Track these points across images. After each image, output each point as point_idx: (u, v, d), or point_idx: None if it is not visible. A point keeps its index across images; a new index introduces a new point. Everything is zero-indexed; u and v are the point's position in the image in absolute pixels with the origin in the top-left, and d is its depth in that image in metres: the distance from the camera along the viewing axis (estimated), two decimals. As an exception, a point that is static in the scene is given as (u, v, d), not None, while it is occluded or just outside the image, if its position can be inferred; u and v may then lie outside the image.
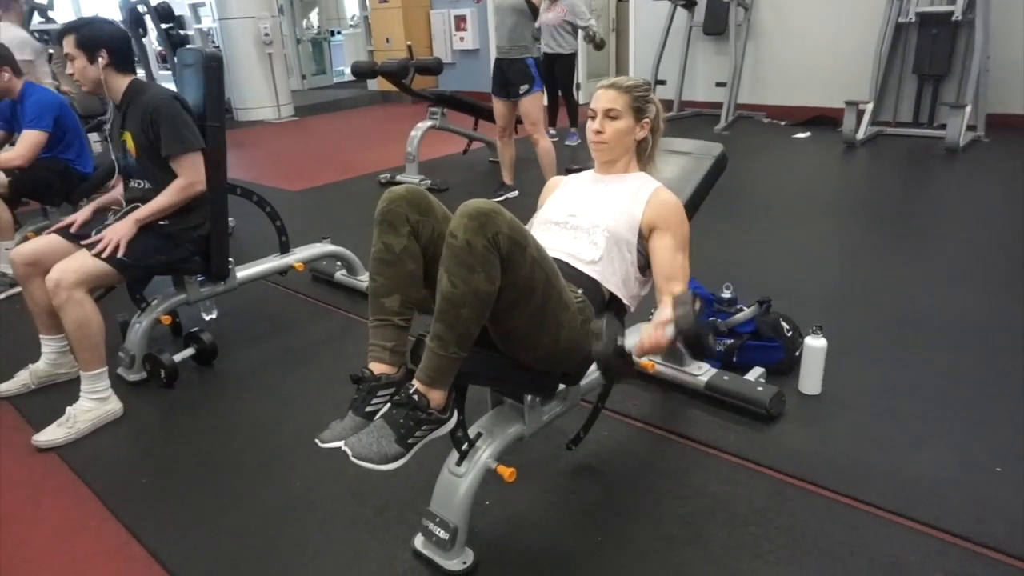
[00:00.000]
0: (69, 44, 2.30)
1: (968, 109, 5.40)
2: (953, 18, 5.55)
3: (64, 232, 2.45)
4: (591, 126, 1.78)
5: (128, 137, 2.40)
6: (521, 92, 4.42)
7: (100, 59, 2.32)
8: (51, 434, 2.20)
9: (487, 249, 1.30)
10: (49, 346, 2.50)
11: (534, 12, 4.34)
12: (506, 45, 4.41)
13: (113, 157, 2.50)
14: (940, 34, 5.84)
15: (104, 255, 2.25)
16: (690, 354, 1.42)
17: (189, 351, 2.62)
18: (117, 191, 2.60)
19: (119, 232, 2.30)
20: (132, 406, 2.38)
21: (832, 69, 6.65)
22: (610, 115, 1.75)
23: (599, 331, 1.45)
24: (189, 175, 2.39)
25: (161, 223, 2.41)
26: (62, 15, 7.58)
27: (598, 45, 5.63)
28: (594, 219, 1.72)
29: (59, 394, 2.41)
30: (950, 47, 5.87)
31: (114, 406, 2.33)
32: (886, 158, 5.54)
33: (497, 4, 4.43)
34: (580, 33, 5.96)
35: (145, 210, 2.36)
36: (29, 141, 3.25)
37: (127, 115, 2.40)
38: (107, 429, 2.28)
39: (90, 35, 2.32)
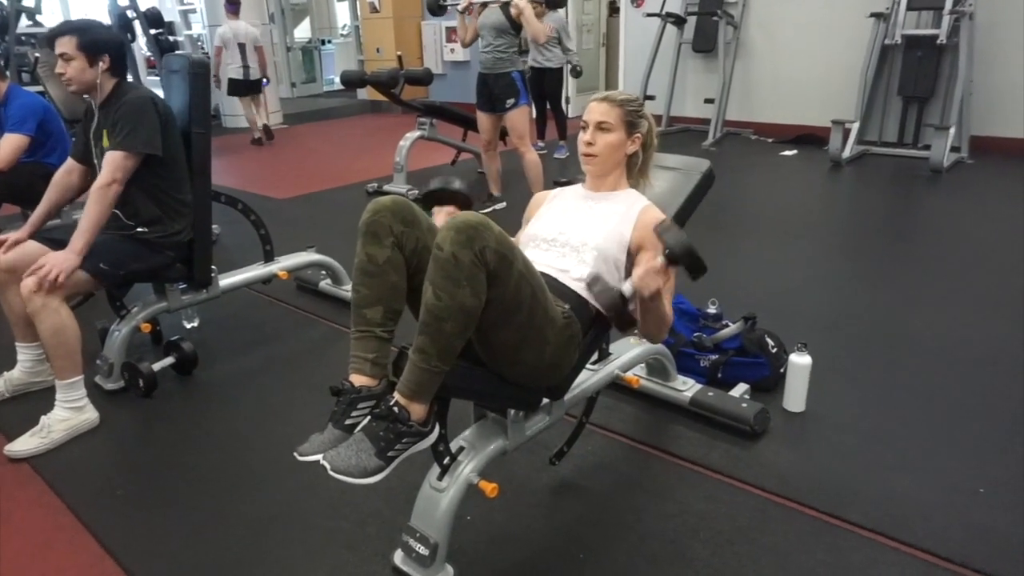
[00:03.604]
0: (69, 45, 2.25)
1: (952, 131, 5.47)
2: (938, 41, 5.63)
3: (42, 238, 2.41)
4: (582, 138, 1.77)
5: (105, 135, 2.37)
6: (507, 106, 4.43)
7: (101, 63, 2.30)
8: (24, 444, 2.15)
9: (473, 263, 1.29)
10: (25, 354, 2.46)
11: (516, 28, 4.35)
12: (490, 60, 4.42)
13: (94, 158, 2.46)
14: (925, 57, 5.92)
15: (44, 289, 2.13)
16: (690, 275, 1.48)
17: (169, 360, 2.58)
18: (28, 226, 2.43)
19: (58, 263, 2.15)
20: (109, 416, 2.33)
21: (819, 88, 6.72)
22: (602, 127, 1.74)
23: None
24: (105, 173, 2.25)
25: (140, 230, 2.37)
26: (49, 19, 7.52)
27: (577, 73, 6.15)
28: (583, 237, 1.71)
29: (34, 403, 2.36)
30: (935, 70, 5.96)
31: (90, 415, 2.28)
32: (871, 177, 5.59)
33: (480, 22, 4.44)
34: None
35: (80, 235, 2.20)
36: (10, 145, 3.21)
37: (107, 114, 2.37)
38: (82, 439, 2.23)
39: (95, 39, 2.28)
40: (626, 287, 1.56)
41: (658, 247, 1.70)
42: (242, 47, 7.32)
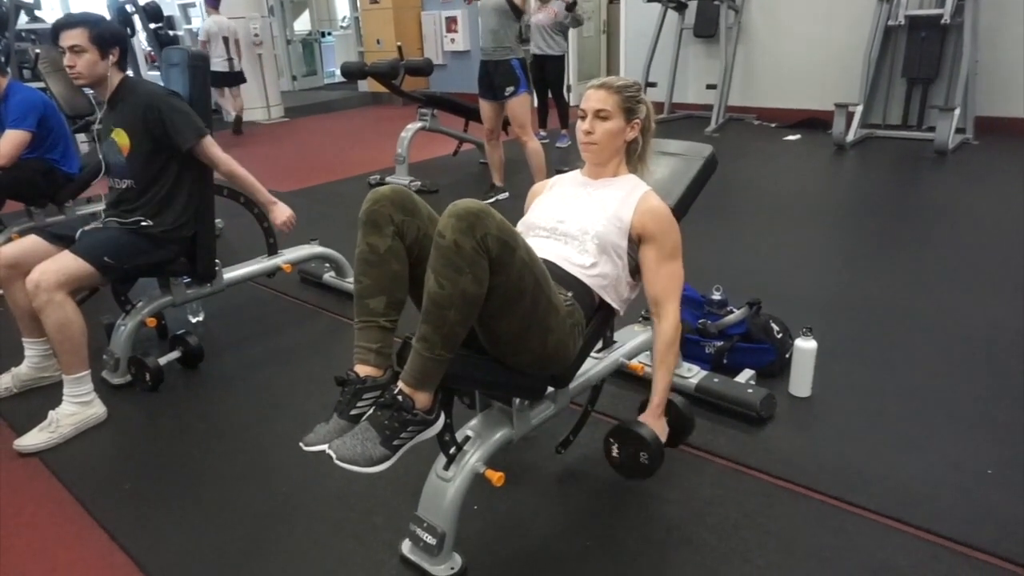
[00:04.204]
0: (80, 37, 2.24)
1: (957, 112, 5.43)
2: (942, 21, 5.58)
3: (46, 233, 2.41)
4: (581, 126, 1.76)
5: (120, 135, 2.36)
6: (507, 94, 4.41)
7: (111, 56, 2.30)
8: (33, 439, 2.16)
9: (475, 250, 1.28)
10: (32, 349, 2.47)
11: (517, 13, 4.32)
12: (490, 47, 4.40)
13: (100, 156, 2.46)
14: (929, 37, 5.87)
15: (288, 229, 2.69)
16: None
17: (175, 354, 2.59)
18: None
19: (289, 214, 2.71)
20: (116, 410, 2.34)
21: (822, 72, 6.68)
22: (600, 115, 1.73)
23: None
24: (220, 158, 2.45)
25: (144, 224, 2.38)
26: (49, 15, 7.51)
27: (578, 22, 5.91)
28: (583, 225, 1.70)
29: (42, 398, 2.37)
30: (939, 50, 5.91)
31: (97, 410, 2.29)
32: (875, 160, 5.56)
33: (480, 5, 4.42)
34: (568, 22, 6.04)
35: (260, 189, 2.65)
36: (11, 141, 3.21)
37: (118, 112, 2.36)
38: (90, 433, 2.24)
39: (107, 31, 2.30)
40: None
41: (657, 242, 1.70)
42: (226, 40, 7.78)
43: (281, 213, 2.67)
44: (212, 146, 2.42)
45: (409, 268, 1.50)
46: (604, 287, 1.69)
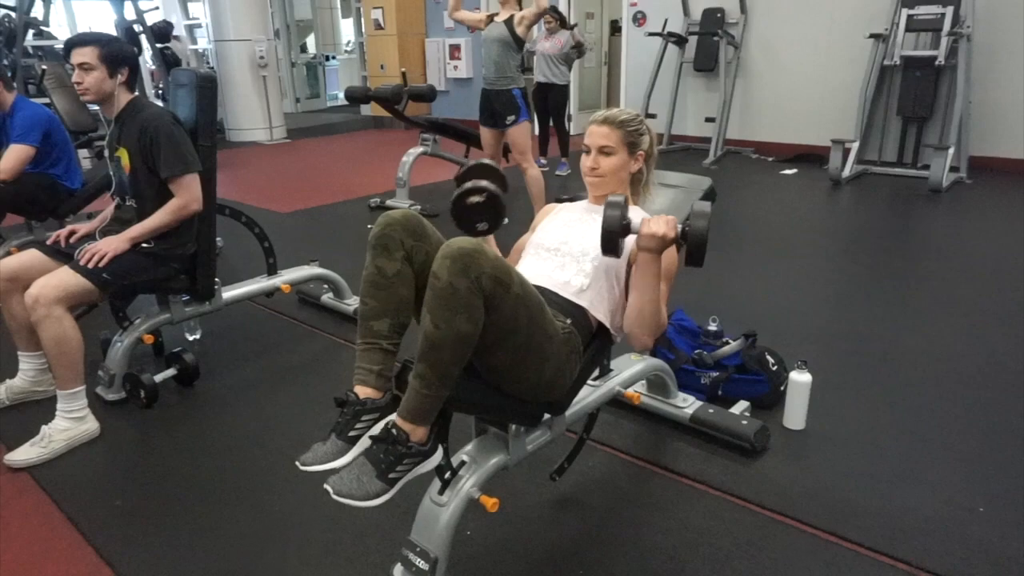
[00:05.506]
0: (90, 55, 2.28)
1: (951, 151, 5.51)
2: (936, 62, 5.69)
3: (46, 248, 2.42)
4: (585, 162, 1.78)
5: (123, 153, 2.39)
6: (508, 123, 4.47)
7: (120, 76, 2.34)
8: (24, 453, 2.15)
9: (470, 291, 1.29)
10: (27, 363, 2.46)
11: (519, 44, 4.40)
12: (492, 76, 4.47)
13: (111, 172, 2.49)
14: (924, 77, 5.98)
15: (90, 265, 2.24)
16: (687, 259, 1.53)
17: (171, 371, 2.58)
18: (97, 220, 2.56)
19: (110, 245, 2.30)
20: (110, 426, 2.33)
21: (819, 108, 6.78)
22: (604, 151, 1.75)
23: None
24: (185, 196, 2.38)
25: (145, 243, 2.39)
26: (56, 32, 7.61)
27: (581, 48, 6.18)
28: (584, 247, 1.72)
29: (35, 412, 2.36)
30: (933, 90, 6.01)
31: (91, 426, 2.28)
32: (871, 196, 5.62)
33: (484, 36, 4.51)
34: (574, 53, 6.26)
35: (139, 228, 2.35)
36: (14, 155, 3.23)
37: (123, 131, 2.39)
38: (82, 449, 2.23)
39: (117, 51, 2.33)
40: (633, 220, 1.55)
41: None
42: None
43: (98, 243, 2.31)
44: (184, 184, 2.37)
45: (416, 291, 1.51)
46: (602, 311, 1.69)
